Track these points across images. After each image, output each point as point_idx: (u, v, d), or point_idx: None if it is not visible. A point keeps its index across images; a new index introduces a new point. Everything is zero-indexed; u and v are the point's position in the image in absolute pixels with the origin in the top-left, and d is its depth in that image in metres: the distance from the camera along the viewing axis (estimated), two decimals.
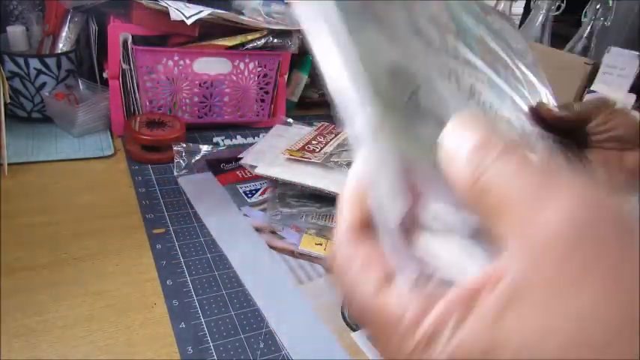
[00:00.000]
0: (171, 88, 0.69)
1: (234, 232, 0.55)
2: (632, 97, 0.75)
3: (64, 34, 0.70)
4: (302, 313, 0.46)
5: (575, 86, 0.82)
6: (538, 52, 0.87)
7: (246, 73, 0.72)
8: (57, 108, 0.67)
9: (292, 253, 0.53)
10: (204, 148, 0.64)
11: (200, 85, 0.70)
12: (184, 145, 0.63)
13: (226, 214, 0.57)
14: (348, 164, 0.56)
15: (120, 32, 0.63)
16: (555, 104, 0.40)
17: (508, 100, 0.31)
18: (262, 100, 0.76)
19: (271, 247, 0.53)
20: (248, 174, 0.64)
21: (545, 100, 0.40)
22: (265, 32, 0.70)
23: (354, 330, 0.44)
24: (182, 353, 0.39)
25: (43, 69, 0.66)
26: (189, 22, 0.60)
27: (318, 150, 0.63)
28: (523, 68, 0.38)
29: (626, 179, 0.39)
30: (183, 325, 0.42)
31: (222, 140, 0.74)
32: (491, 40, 0.34)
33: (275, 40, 0.71)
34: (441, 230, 0.18)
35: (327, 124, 0.68)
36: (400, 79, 0.18)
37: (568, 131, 0.40)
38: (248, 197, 0.61)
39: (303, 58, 0.84)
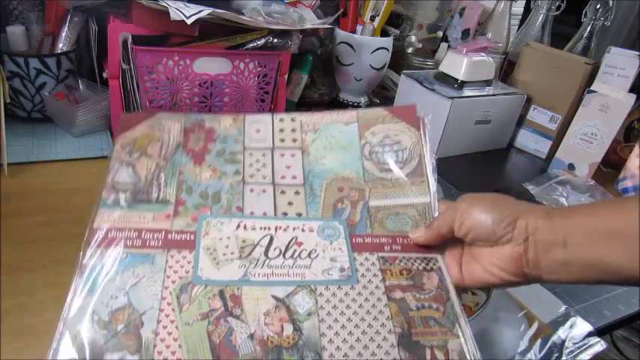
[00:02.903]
0: (172, 88, 0.69)
1: None
2: (632, 97, 0.75)
3: (64, 34, 0.70)
4: None
5: (575, 86, 0.82)
6: (538, 52, 0.87)
7: (246, 73, 0.72)
8: (57, 108, 0.67)
9: None
10: None
11: (200, 85, 0.70)
12: None
13: None
14: None
15: (120, 32, 0.63)
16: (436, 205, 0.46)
17: None
18: (262, 100, 0.76)
19: None
20: None
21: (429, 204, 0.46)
22: (265, 32, 0.70)
23: None
24: None
25: (43, 69, 0.66)
26: (189, 21, 0.60)
27: None
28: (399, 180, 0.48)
29: (499, 274, 0.39)
30: None
31: None
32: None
33: (275, 40, 0.71)
34: None
35: None
36: None
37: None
38: None
39: (303, 58, 0.84)
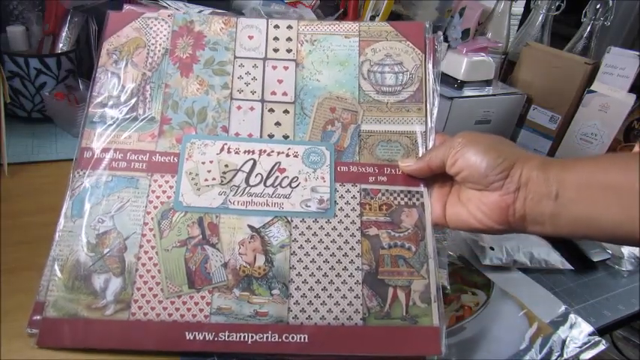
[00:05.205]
0: None
1: None
2: (632, 97, 0.75)
3: (64, 34, 0.70)
4: None
5: (575, 86, 0.82)
6: (538, 52, 0.87)
7: None
8: (57, 108, 0.67)
9: None
10: None
11: None
12: None
13: None
14: None
15: None
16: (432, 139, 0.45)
17: None
18: None
19: None
20: None
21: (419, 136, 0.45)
22: None
23: None
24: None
25: (43, 69, 0.66)
26: None
27: None
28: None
29: (483, 219, 0.38)
30: None
31: None
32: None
33: None
34: None
35: None
36: None
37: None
38: None
39: None
